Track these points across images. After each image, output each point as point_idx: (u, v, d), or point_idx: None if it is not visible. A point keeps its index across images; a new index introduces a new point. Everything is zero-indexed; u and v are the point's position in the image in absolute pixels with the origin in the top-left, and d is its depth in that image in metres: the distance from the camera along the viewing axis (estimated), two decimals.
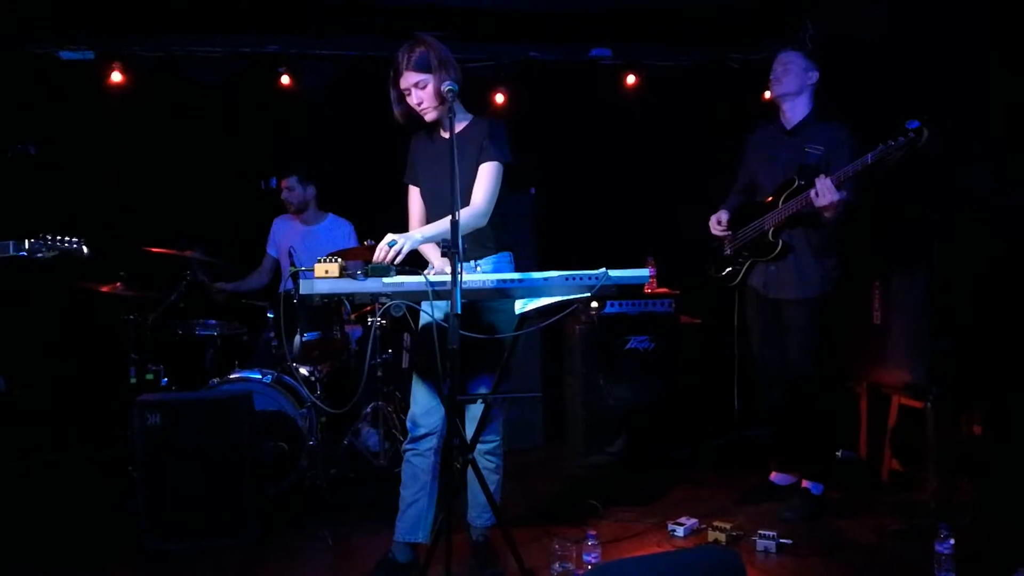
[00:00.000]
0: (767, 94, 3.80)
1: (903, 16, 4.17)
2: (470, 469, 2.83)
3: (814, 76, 3.56)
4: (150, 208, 4.88)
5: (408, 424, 2.98)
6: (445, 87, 2.65)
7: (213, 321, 4.37)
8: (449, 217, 2.41)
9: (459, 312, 2.33)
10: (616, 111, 5.33)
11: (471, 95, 3.06)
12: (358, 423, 4.34)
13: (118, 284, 4.10)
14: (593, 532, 3.00)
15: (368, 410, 4.30)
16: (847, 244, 3.57)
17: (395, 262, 2.54)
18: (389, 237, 2.59)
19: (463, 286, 2.37)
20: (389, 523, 3.00)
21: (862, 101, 4.19)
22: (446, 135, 2.95)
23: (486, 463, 2.99)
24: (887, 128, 3.14)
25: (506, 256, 3.01)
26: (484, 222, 2.84)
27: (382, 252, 2.56)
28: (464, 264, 2.55)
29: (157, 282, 4.27)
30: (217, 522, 3.35)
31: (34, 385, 4.67)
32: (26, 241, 3.20)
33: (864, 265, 3.99)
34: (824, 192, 3.25)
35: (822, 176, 3.27)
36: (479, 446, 2.95)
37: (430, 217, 2.99)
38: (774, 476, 3.86)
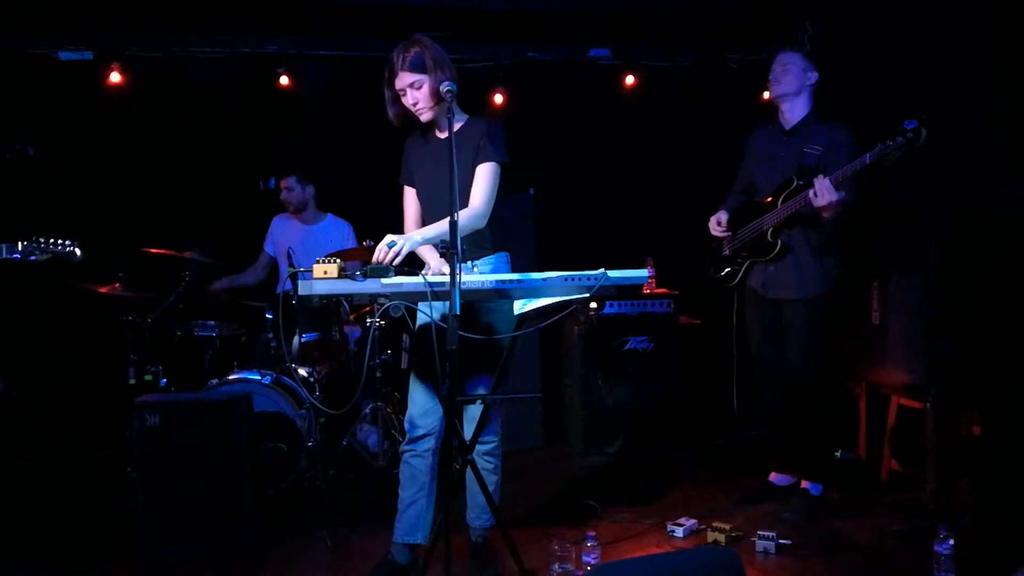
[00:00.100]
0: (766, 95, 3.81)
1: (903, 16, 4.16)
2: (469, 470, 2.83)
3: (813, 77, 3.56)
4: (149, 209, 4.86)
5: (406, 425, 2.97)
6: (444, 87, 2.65)
7: (212, 322, 4.38)
8: (448, 218, 2.41)
9: (458, 313, 2.33)
10: (615, 111, 5.32)
11: (470, 95, 3.06)
12: (357, 424, 4.34)
13: (117, 285, 4.09)
14: (592, 533, 3.00)
15: (367, 411, 4.30)
16: (846, 244, 3.57)
17: (394, 263, 2.54)
18: (388, 238, 2.59)
19: (462, 287, 2.36)
20: (388, 524, 3.00)
21: (862, 101, 4.18)
22: (441, 135, 2.95)
23: (485, 464, 2.99)
24: (886, 128, 3.14)
25: (503, 256, 3.01)
26: (483, 223, 2.83)
27: (381, 253, 2.56)
28: (461, 265, 2.55)
29: (156, 283, 4.26)
30: (216, 523, 3.35)
31: (33, 386, 4.65)
32: (19, 243, 3.19)
33: (863, 265, 3.99)
34: (823, 192, 3.25)
35: (821, 176, 3.27)
36: (478, 447, 2.94)
37: (426, 218, 2.98)
38: (773, 477, 3.86)
